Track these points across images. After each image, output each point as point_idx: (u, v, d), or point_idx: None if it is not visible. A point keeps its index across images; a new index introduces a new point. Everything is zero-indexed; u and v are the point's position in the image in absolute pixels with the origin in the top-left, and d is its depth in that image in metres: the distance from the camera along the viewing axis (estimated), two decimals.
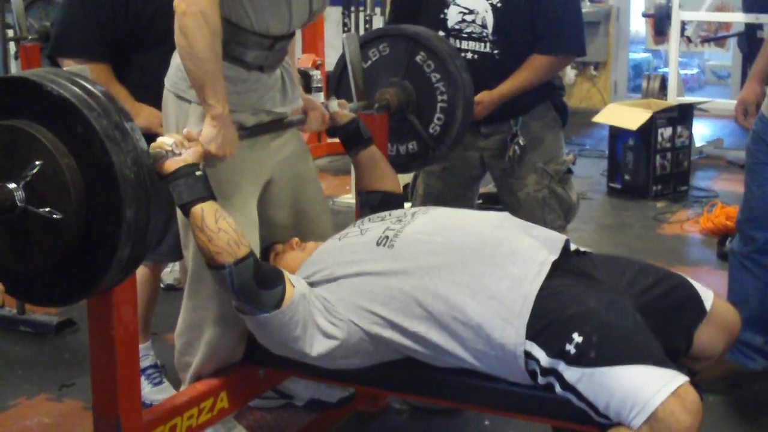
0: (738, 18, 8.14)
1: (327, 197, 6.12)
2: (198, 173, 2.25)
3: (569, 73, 9.48)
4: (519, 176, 3.46)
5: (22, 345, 3.85)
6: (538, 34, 3.32)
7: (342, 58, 3.30)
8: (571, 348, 2.14)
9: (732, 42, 9.90)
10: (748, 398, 3.39)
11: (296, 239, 2.64)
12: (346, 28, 7.36)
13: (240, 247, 2.27)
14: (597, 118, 6.61)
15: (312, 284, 2.42)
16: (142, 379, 3.16)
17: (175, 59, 2.54)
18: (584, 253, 2.54)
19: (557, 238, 2.48)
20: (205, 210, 2.24)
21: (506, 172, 3.47)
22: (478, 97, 3.27)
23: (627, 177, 6.33)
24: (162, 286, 3.32)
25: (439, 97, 3.18)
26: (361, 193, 2.94)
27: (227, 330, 2.61)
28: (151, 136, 2.26)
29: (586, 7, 9.04)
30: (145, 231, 1.99)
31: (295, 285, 2.37)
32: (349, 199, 5.84)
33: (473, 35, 3.33)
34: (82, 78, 1.97)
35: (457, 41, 3.36)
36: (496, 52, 3.29)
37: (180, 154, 2.23)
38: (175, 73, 2.55)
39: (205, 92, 2.35)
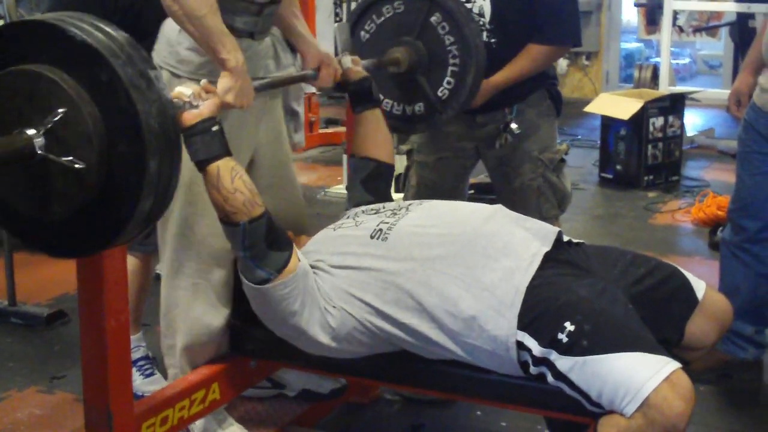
0: (729, 7, 8.15)
1: (319, 188, 6.17)
2: (215, 128, 2.21)
3: (561, 63, 9.48)
4: (514, 165, 3.45)
5: (13, 337, 3.84)
6: (535, 24, 3.30)
7: (354, 13, 3.27)
8: (563, 337, 2.14)
9: (724, 32, 9.92)
10: (739, 388, 3.40)
11: (290, 232, 2.64)
12: (337, 18, 7.35)
13: (255, 207, 2.25)
14: (589, 108, 6.62)
15: None
16: (134, 370, 3.16)
17: (164, 33, 2.52)
18: (576, 244, 2.54)
19: (550, 230, 2.48)
20: (222, 168, 2.21)
21: (501, 160, 3.46)
22: None
23: (619, 167, 6.34)
24: (154, 276, 3.32)
25: (451, 61, 3.12)
26: (353, 157, 2.91)
27: (205, 308, 2.62)
28: None
29: None
30: (168, 183, 1.94)
31: (301, 259, 2.36)
32: (341, 189, 5.84)
33: None
34: (105, 23, 1.90)
35: None
36: (493, 41, 3.27)
37: (197, 106, 2.19)
38: (165, 48, 2.53)
39: (215, 48, 2.32)
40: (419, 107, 3.20)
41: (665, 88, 7.50)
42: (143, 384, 3.21)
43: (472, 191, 4.44)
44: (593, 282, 2.33)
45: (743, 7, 7.50)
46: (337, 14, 7.41)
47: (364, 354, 2.43)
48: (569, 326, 2.15)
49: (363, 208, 2.65)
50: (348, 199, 2.87)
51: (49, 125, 1.83)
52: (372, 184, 2.82)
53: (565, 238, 2.52)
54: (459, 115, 3.27)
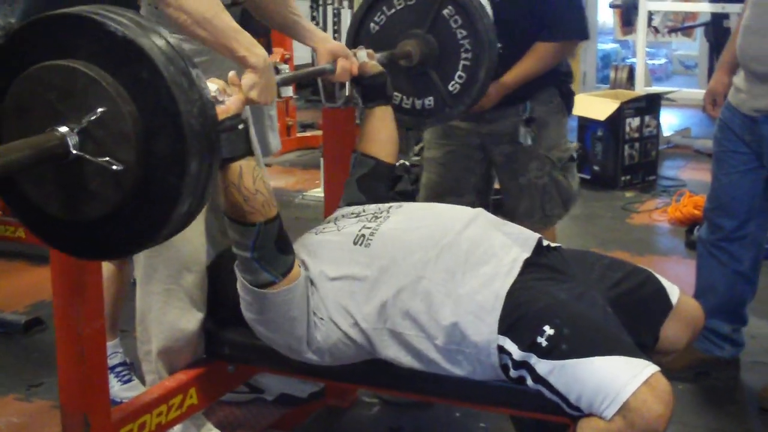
0: (704, 8, 8.19)
1: (296, 191, 6.16)
2: (241, 127, 2.17)
3: None
4: (521, 162, 3.43)
5: None
6: (540, 22, 3.29)
7: (364, 5, 3.21)
8: (542, 340, 2.14)
9: (699, 32, 9.95)
10: (717, 386, 3.42)
11: None
12: (314, 22, 7.34)
13: (272, 208, 2.23)
14: None
15: None
16: (111, 377, 3.14)
17: None
18: (554, 248, 2.55)
19: (530, 236, 2.48)
20: (244, 168, 2.17)
21: (508, 158, 3.45)
22: None
23: (596, 167, 6.36)
24: (132, 282, 3.30)
25: (463, 55, 3.06)
26: (356, 152, 2.88)
27: (178, 312, 2.61)
28: None
29: None
30: (206, 185, 1.85)
31: (301, 266, 2.35)
32: (318, 193, 5.84)
33: None
34: (144, 19, 1.81)
35: None
36: (499, 45, 3.25)
37: (223, 102, 2.15)
38: None
39: (232, 47, 2.27)
40: (429, 101, 3.14)
41: (641, 88, 7.54)
42: (121, 390, 3.19)
43: None
44: (572, 286, 2.34)
45: (717, 8, 7.55)
46: (313, 18, 7.40)
47: (346, 363, 2.43)
48: (548, 330, 2.15)
49: (344, 212, 2.63)
50: (342, 197, 2.84)
51: (84, 124, 1.75)
52: (368, 183, 2.78)
53: (544, 243, 2.52)
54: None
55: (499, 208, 3.49)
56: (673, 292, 2.49)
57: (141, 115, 1.76)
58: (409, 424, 3.13)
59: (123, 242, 1.88)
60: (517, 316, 2.21)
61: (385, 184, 2.83)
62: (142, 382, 2.90)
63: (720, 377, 3.46)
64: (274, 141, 4.03)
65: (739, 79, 3.28)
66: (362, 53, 2.80)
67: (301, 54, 7.59)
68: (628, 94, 6.66)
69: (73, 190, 1.81)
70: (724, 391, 3.40)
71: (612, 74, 8.16)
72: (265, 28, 3.24)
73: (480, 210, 2.55)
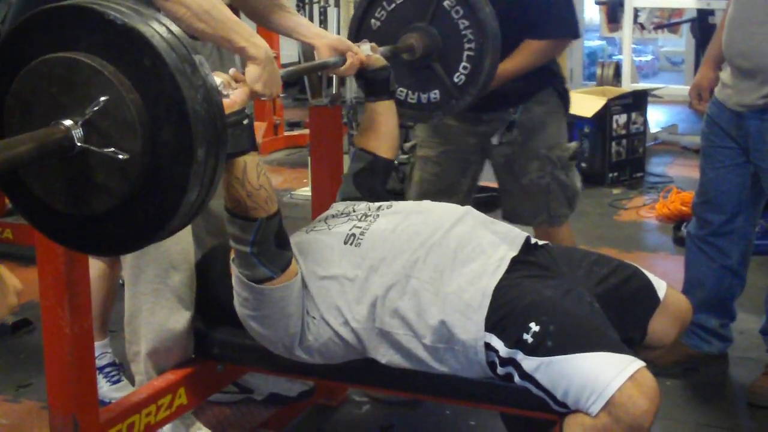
0: (690, 4, 8.22)
1: (285, 190, 6.16)
2: (245, 122, 2.15)
3: None
4: (521, 163, 3.43)
5: None
6: (530, 21, 3.29)
7: (359, 7, 3.20)
8: (528, 337, 2.14)
9: (685, 28, 9.98)
10: (705, 381, 3.43)
11: None
12: None
13: (273, 204, 2.22)
14: None
15: None
16: (100, 377, 3.13)
17: None
18: (542, 246, 2.55)
19: (518, 234, 2.49)
20: (248, 164, 2.16)
21: (508, 158, 3.45)
22: None
23: (583, 164, 6.36)
24: (121, 282, 3.29)
25: (466, 45, 3.04)
26: (354, 146, 2.87)
27: (166, 312, 2.60)
28: None
29: None
30: (214, 173, 1.82)
31: (298, 262, 2.35)
32: (306, 192, 5.83)
33: None
34: (142, 6, 1.78)
35: None
36: None
37: (228, 95, 2.13)
38: None
39: (231, 39, 2.25)
40: (434, 94, 3.12)
41: (628, 85, 7.54)
42: (110, 391, 3.18)
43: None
44: (559, 283, 2.34)
45: (703, 4, 7.56)
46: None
47: (336, 362, 2.43)
48: (534, 327, 2.15)
49: (334, 212, 2.62)
50: (339, 191, 2.83)
51: (88, 115, 1.71)
52: (364, 179, 2.77)
53: (532, 241, 2.52)
54: (464, 112, 3.24)
55: (488, 207, 3.47)
56: (661, 287, 2.50)
57: (145, 104, 1.73)
58: (399, 422, 3.14)
59: (131, 235, 1.85)
60: (504, 314, 2.21)
61: (382, 180, 2.83)
62: (132, 382, 2.89)
63: (708, 373, 3.47)
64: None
65: (725, 74, 3.28)
66: (366, 47, 2.78)
67: (287, 53, 7.60)
68: (615, 91, 6.67)
69: (79, 184, 1.78)
70: (712, 387, 3.41)
71: (598, 71, 8.16)
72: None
73: (468, 208, 2.55)
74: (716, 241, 3.39)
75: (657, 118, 8.18)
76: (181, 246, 2.36)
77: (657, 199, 5.78)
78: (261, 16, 2.75)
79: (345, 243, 2.41)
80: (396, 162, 4.01)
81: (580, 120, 6.28)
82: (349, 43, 2.74)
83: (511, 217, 3.53)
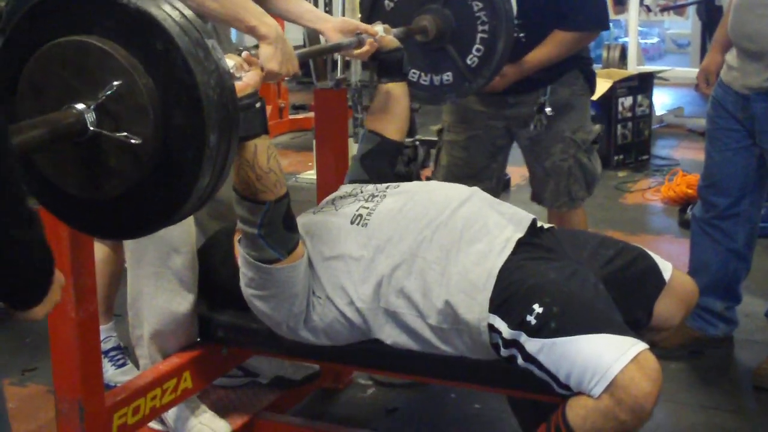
0: None
1: (290, 174, 6.15)
2: (258, 105, 2.15)
3: None
4: (546, 145, 3.43)
5: None
6: (560, 12, 3.27)
7: None
8: (531, 319, 2.14)
9: (691, 10, 9.94)
10: (710, 364, 3.43)
11: None
12: None
13: (282, 187, 2.22)
14: None
15: None
16: (105, 361, 3.14)
17: None
18: (547, 228, 2.55)
19: (524, 216, 2.48)
20: (259, 147, 2.15)
21: (533, 140, 3.44)
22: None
23: None
24: (125, 266, 3.29)
25: (480, 27, 3.02)
26: (364, 128, 2.87)
27: (169, 295, 2.60)
28: None
29: None
30: (226, 158, 1.80)
31: (304, 243, 2.35)
32: (312, 175, 5.82)
33: None
34: None
35: None
36: (522, 35, 3.20)
37: (240, 78, 2.12)
38: None
39: (242, 17, 2.25)
40: (447, 76, 3.11)
41: (634, 67, 7.53)
42: (115, 375, 3.19)
43: None
44: (563, 265, 2.34)
45: None
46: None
47: (339, 344, 2.43)
48: (537, 308, 2.15)
49: (341, 193, 2.62)
50: (347, 173, 2.83)
51: (101, 99, 1.71)
52: (372, 161, 2.77)
53: (538, 224, 2.52)
54: (490, 95, 3.23)
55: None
56: (666, 269, 2.49)
57: (157, 88, 1.72)
58: (404, 405, 3.14)
59: (143, 220, 1.85)
60: (508, 295, 2.21)
61: (390, 162, 2.82)
62: (137, 366, 2.89)
63: (713, 355, 3.47)
64: None
65: (731, 56, 3.27)
66: (379, 28, 2.77)
67: (293, 36, 7.57)
68: (621, 74, 6.65)
69: (92, 168, 1.78)
70: (717, 370, 3.41)
71: (604, 54, 8.13)
72: None
73: (475, 189, 2.55)
74: (722, 224, 3.38)
75: (663, 100, 8.16)
76: (181, 228, 2.36)
77: (662, 181, 5.77)
78: (265, 1, 2.74)
79: (352, 223, 2.41)
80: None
81: None
82: (356, 22, 2.73)
83: (537, 199, 3.56)
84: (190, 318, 2.65)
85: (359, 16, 5.75)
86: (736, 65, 3.22)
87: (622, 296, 2.34)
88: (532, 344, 2.14)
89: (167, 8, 1.72)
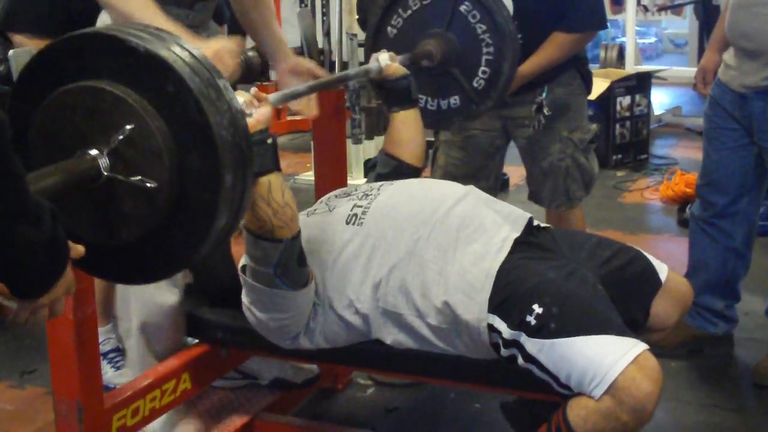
0: None
1: (288, 175, 6.15)
2: (269, 141, 2.15)
3: None
4: (543, 145, 3.42)
5: None
6: (559, 13, 3.27)
7: (379, 9, 3.17)
8: (531, 319, 2.14)
9: (689, 10, 9.95)
10: (710, 363, 3.43)
11: None
12: (302, 5, 7.32)
13: (297, 222, 2.20)
14: None
15: None
16: (104, 363, 3.14)
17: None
18: (544, 228, 2.54)
19: (520, 215, 2.48)
20: (273, 182, 2.14)
21: (531, 140, 3.44)
22: None
23: None
24: None
25: (485, 50, 3.04)
26: (382, 150, 2.86)
27: (156, 287, 2.59)
28: None
29: None
30: (242, 197, 1.79)
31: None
32: (310, 176, 5.81)
33: None
34: (163, 31, 1.76)
35: None
36: (520, 36, 3.22)
37: (250, 114, 2.11)
38: None
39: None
40: (455, 100, 3.12)
41: (631, 67, 7.53)
42: (114, 376, 3.18)
43: None
44: (562, 265, 2.33)
45: None
46: (302, 1, 7.37)
47: (339, 346, 2.43)
48: (537, 309, 2.14)
49: (336, 192, 2.62)
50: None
51: (114, 144, 1.69)
52: (391, 179, 2.71)
53: (535, 223, 2.52)
54: None
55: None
56: (662, 270, 2.49)
57: (170, 130, 1.69)
58: (403, 405, 3.14)
59: (162, 263, 1.84)
60: (507, 295, 2.21)
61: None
62: None
63: (713, 354, 3.47)
64: None
65: (728, 55, 3.27)
66: (384, 56, 2.75)
67: (290, 38, 7.57)
68: (619, 73, 6.66)
69: (107, 213, 1.76)
70: (717, 368, 3.41)
71: (602, 53, 8.14)
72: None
73: (471, 187, 2.55)
74: (720, 222, 3.38)
75: (661, 100, 8.17)
76: None
77: (661, 181, 5.78)
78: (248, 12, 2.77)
79: (347, 223, 2.41)
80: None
81: None
82: (308, 64, 2.76)
83: (535, 199, 3.55)
84: (178, 311, 2.65)
85: (356, 17, 5.77)
86: (734, 64, 3.22)
87: (620, 296, 2.34)
88: (531, 344, 2.13)
89: (177, 49, 1.71)
